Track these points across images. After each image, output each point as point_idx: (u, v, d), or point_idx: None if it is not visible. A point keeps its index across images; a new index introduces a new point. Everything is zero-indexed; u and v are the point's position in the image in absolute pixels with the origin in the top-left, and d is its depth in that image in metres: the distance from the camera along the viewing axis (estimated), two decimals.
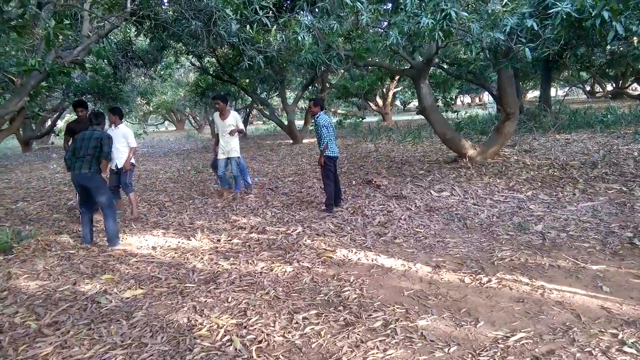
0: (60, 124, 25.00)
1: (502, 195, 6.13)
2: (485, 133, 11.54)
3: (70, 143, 5.62)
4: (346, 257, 4.43)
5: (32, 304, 3.66)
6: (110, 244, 5.13)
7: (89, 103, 18.97)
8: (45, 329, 3.21)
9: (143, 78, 18.69)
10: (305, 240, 4.96)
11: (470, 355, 2.62)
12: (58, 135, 21.93)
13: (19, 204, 7.38)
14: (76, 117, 6.44)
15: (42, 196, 8.06)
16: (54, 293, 3.86)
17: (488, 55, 7.75)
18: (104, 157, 5.10)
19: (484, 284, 3.62)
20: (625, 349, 2.58)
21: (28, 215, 6.67)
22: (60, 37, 8.79)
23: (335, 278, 3.91)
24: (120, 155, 6.19)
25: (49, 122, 19.56)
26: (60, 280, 4.15)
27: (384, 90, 22.10)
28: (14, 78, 10.37)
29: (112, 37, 12.67)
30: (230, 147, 6.87)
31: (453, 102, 20.50)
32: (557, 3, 4.65)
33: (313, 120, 6.62)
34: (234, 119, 6.92)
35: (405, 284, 3.72)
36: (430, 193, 6.48)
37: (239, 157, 6.97)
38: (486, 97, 34.22)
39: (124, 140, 6.20)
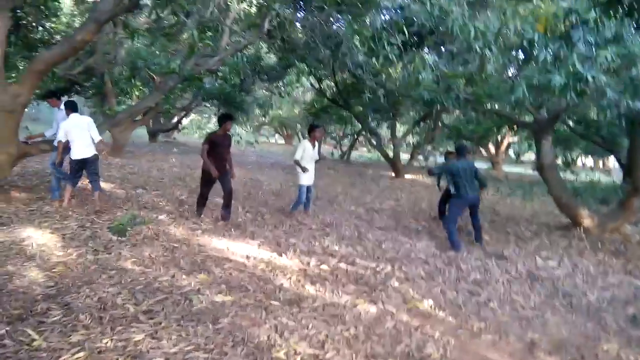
0: (186, 122, 27.18)
1: (617, 278, 5.53)
2: (606, 203, 10.59)
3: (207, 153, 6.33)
4: (433, 310, 4.26)
5: (134, 288, 3.96)
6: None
7: (212, 107, 20.51)
8: (141, 315, 3.46)
9: (264, 91, 19.78)
10: (394, 282, 4.86)
11: None
12: (181, 131, 23.83)
13: (138, 191, 8.10)
14: (221, 130, 6.56)
15: (158, 187, 8.77)
16: (154, 282, 4.16)
17: (623, 122, 7.15)
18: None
19: None
20: None
21: (144, 202, 7.27)
22: (201, 46, 9.65)
23: (418, 330, 3.77)
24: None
25: (175, 119, 21.35)
26: (161, 270, 4.47)
27: (499, 137, 21.22)
28: (154, 76, 11.53)
29: (244, 52, 13.60)
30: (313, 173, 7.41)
31: (574, 162, 19.10)
32: None
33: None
34: None
35: (494, 356, 3.48)
36: (535, 259, 6.04)
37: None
38: (612, 162, 31.40)
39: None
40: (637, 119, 6.41)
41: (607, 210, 8.33)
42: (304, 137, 32.96)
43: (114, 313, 3.47)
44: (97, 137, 6.47)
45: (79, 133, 6.26)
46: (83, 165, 6.38)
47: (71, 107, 6.40)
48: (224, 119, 6.53)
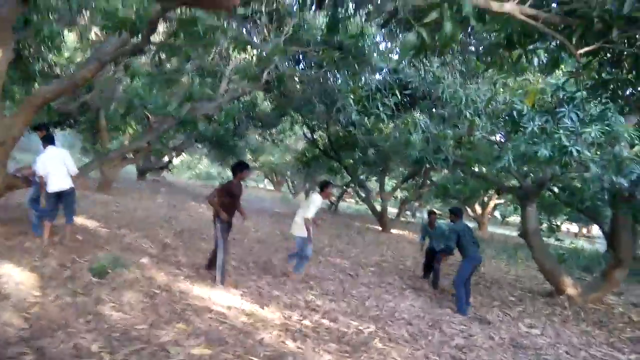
0: (176, 161, 27.23)
1: (600, 351, 5.51)
2: (589, 271, 10.67)
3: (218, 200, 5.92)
4: None
5: (111, 335, 3.85)
6: None
7: (204, 149, 20.65)
8: None
9: (257, 137, 20.02)
10: (376, 343, 4.78)
11: None
12: (170, 171, 23.83)
13: (122, 230, 8.00)
14: (237, 179, 6.08)
15: (142, 227, 8.67)
16: (131, 330, 4.05)
17: (607, 196, 7.32)
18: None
19: None
20: None
21: (127, 243, 7.16)
22: (200, 91, 9.84)
23: None
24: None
25: (166, 158, 21.41)
26: (140, 317, 4.36)
27: (485, 199, 21.51)
28: (149, 115, 11.65)
29: (241, 98, 13.86)
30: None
31: (558, 228, 19.32)
32: None
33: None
34: None
35: None
36: (519, 326, 6.01)
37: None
38: (595, 230, 31.84)
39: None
40: (620, 194, 6.58)
41: (591, 279, 8.39)
42: (293, 186, 33.09)
43: None
44: (74, 170, 6.43)
45: (56, 165, 6.23)
46: (60, 198, 6.30)
47: (48, 140, 6.39)
48: (240, 168, 6.04)
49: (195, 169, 30.20)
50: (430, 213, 8.30)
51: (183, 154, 28.29)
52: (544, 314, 6.69)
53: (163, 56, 7.33)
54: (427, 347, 4.94)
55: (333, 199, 20.86)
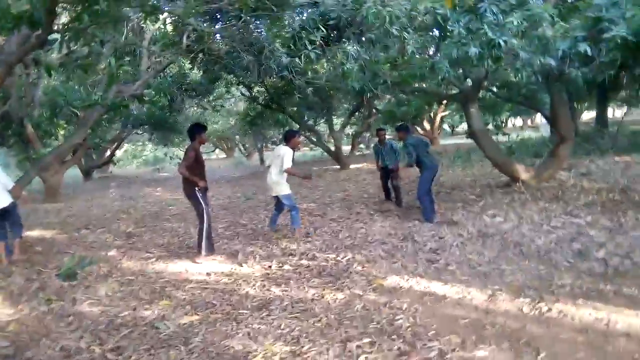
0: (120, 153, 26.27)
1: (560, 221, 5.90)
2: (539, 156, 11.20)
3: None
4: (398, 285, 4.38)
5: (96, 329, 3.83)
6: None
7: (145, 133, 19.94)
8: (109, 354, 3.35)
9: (196, 108, 19.46)
10: (356, 267, 4.95)
11: None
12: (117, 164, 23.01)
13: (82, 232, 7.77)
14: (197, 143, 5.66)
15: (102, 224, 8.45)
16: (116, 319, 4.03)
17: (540, 79, 7.59)
18: None
19: (543, 313, 3.49)
20: None
21: (90, 242, 7.00)
22: (121, 72, 9.37)
23: (387, 306, 3.88)
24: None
25: (108, 152, 20.60)
26: (121, 306, 4.33)
27: (432, 114, 21.94)
28: (78, 112, 11.07)
29: (168, 71, 13.32)
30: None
31: (504, 125, 20.07)
32: (612, 27, 4.54)
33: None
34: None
35: (460, 313, 3.64)
36: (483, 218, 6.34)
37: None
38: (539, 118, 33.24)
39: None
40: (551, 74, 6.83)
41: (541, 162, 8.82)
42: (244, 148, 32.64)
43: (79, 358, 3.34)
44: (10, 184, 6.05)
45: None
46: (3, 216, 5.96)
47: None
48: (198, 130, 5.66)
49: (141, 156, 29.26)
50: (379, 130, 8.36)
51: (125, 144, 27.30)
52: (504, 202, 7.04)
53: (72, 44, 6.87)
54: (404, 258, 5.17)
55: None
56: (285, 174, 6.24)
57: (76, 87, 11.95)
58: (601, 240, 5.08)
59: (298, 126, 16.53)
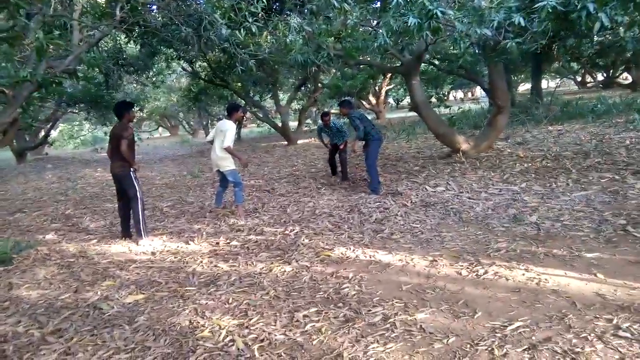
0: (55, 134, 24.91)
1: (497, 188, 6.19)
2: (479, 127, 11.61)
3: None
4: (344, 255, 4.47)
5: (35, 312, 3.67)
6: None
7: (81, 112, 18.98)
8: (49, 337, 3.24)
9: (135, 85, 18.68)
10: (303, 240, 5.00)
11: (468, 346, 2.67)
12: (52, 145, 21.84)
13: (16, 215, 7.38)
14: (126, 121, 5.39)
15: (39, 207, 8.05)
16: (56, 301, 3.88)
17: (477, 50, 7.81)
18: None
19: (480, 275, 3.68)
20: (620, 333, 2.64)
21: (26, 226, 6.66)
22: (51, 47, 8.80)
23: (334, 276, 3.96)
24: None
25: (42, 133, 19.49)
26: (61, 288, 4.18)
27: (377, 88, 22.17)
28: (5, 90, 10.35)
29: (102, 46, 12.64)
30: None
31: (446, 97, 20.60)
32: None
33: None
34: None
35: (404, 279, 3.77)
36: (426, 189, 6.54)
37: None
38: (479, 91, 34.36)
39: None
40: (487, 45, 7.04)
41: (479, 132, 9.16)
42: (189, 126, 31.75)
43: (17, 342, 3.20)
44: None
45: None
46: None
47: None
48: (126, 108, 5.38)
49: (78, 137, 27.87)
50: (324, 114, 8.38)
51: (60, 124, 25.91)
52: (445, 172, 7.28)
53: None
54: (350, 229, 5.26)
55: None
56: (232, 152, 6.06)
57: (2, 63, 11.13)
58: (534, 205, 5.38)
59: (243, 102, 16.26)
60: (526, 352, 2.54)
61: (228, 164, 6.11)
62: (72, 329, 3.33)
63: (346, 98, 7.69)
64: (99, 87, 14.55)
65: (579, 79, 27.77)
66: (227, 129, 5.98)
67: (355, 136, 6.97)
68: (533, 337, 2.69)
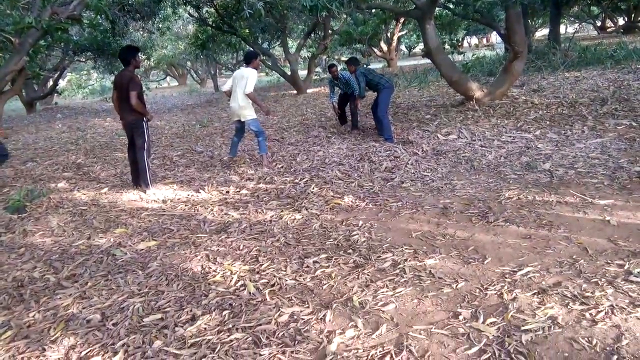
0: (63, 83, 24.78)
1: (510, 136, 6.07)
2: (493, 74, 11.29)
3: None
4: (354, 203, 4.46)
5: (50, 259, 3.75)
6: None
7: (88, 61, 18.75)
8: (64, 282, 3.31)
9: (142, 32, 18.30)
10: (313, 189, 4.99)
11: (477, 290, 2.69)
12: (61, 94, 21.76)
13: (28, 164, 7.45)
14: (132, 67, 5.28)
15: (50, 156, 8.10)
16: (70, 248, 3.96)
17: None
18: None
19: (491, 222, 3.66)
20: (632, 278, 2.62)
21: (38, 175, 6.72)
22: None
23: (343, 223, 3.97)
24: None
25: (50, 82, 19.38)
26: (74, 235, 4.25)
27: (389, 34, 21.51)
28: (11, 38, 10.19)
29: None
30: None
31: (460, 44, 19.95)
32: None
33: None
34: None
35: (413, 226, 3.76)
36: (437, 137, 6.44)
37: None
38: (494, 37, 33.27)
39: None
40: None
41: (494, 79, 8.90)
42: (197, 74, 31.34)
43: (33, 287, 3.28)
44: None
45: None
46: None
47: None
48: (132, 54, 5.22)
49: (86, 86, 27.68)
50: (330, 67, 8.10)
51: (68, 73, 25.71)
52: (458, 120, 7.15)
53: None
54: (360, 177, 5.24)
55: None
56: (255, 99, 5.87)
57: (7, 11, 10.91)
58: (548, 152, 5.29)
59: (252, 50, 15.91)
60: (535, 296, 2.55)
61: (250, 113, 5.94)
62: (87, 274, 3.40)
63: (352, 56, 7.53)
64: (105, 35, 14.27)
65: (598, 23, 26.67)
66: (247, 75, 5.78)
67: (357, 92, 7.20)
68: (543, 282, 2.69)
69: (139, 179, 5.60)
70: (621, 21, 25.06)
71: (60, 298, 3.07)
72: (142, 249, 3.82)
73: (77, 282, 3.30)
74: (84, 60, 18.18)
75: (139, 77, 5.32)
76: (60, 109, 18.45)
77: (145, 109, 5.29)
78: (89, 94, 27.19)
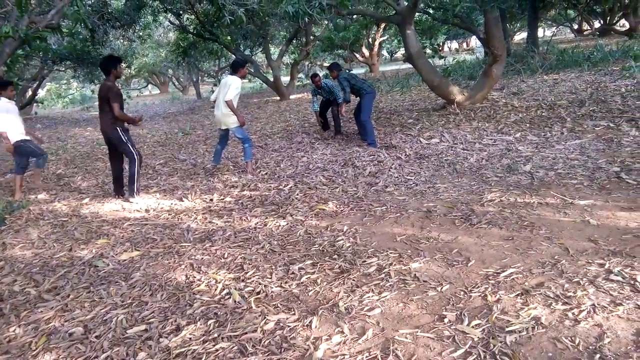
0: (42, 93, 24.40)
1: (491, 139, 6.15)
2: (474, 78, 11.44)
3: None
4: (338, 208, 4.47)
5: (30, 271, 3.68)
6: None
7: (68, 70, 18.49)
8: (45, 295, 3.25)
9: (122, 40, 18.14)
10: (297, 195, 4.99)
11: (462, 292, 2.70)
12: (41, 104, 21.44)
13: (7, 176, 7.31)
14: (112, 77, 5.21)
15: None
16: (51, 260, 3.89)
17: None
18: None
19: (474, 225, 3.69)
20: (612, 277, 2.67)
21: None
22: (33, 1, 8.47)
23: (328, 229, 3.97)
24: None
25: (29, 92, 19.08)
26: (55, 247, 4.18)
27: (370, 40, 21.67)
28: None
29: None
30: None
31: (440, 48, 20.19)
32: None
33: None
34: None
35: (398, 230, 3.78)
36: (420, 141, 6.49)
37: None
38: (474, 42, 33.72)
39: None
40: None
41: (474, 83, 9.02)
42: (179, 82, 31.17)
43: (14, 301, 3.22)
44: None
45: None
46: None
47: None
48: (113, 64, 5.16)
49: (66, 95, 27.31)
50: (313, 76, 8.07)
51: (47, 83, 25.34)
52: (440, 124, 7.22)
53: None
54: (344, 182, 5.25)
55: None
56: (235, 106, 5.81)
57: None
58: (528, 154, 5.36)
59: (234, 56, 15.86)
60: (519, 297, 2.57)
61: (234, 120, 5.89)
62: (68, 286, 3.35)
63: (334, 62, 7.49)
64: (84, 43, 14.13)
65: (575, 26, 27.21)
66: (231, 83, 5.75)
67: (342, 98, 7.16)
68: (526, 283, 2.72)
69: (121, 188, 5.54)
70: (597, 24, 25.59)
71: (41, 311, 3.01)
72: (125, 260, 3.77)
73: (58, 294, 3.24)
74: (63, 69, 17.98)
75: (118, 86, 5.27)
76: (40, 119, 18.18)
77: (130, 117, 5.25)
78: (69, 103, 26.83)
